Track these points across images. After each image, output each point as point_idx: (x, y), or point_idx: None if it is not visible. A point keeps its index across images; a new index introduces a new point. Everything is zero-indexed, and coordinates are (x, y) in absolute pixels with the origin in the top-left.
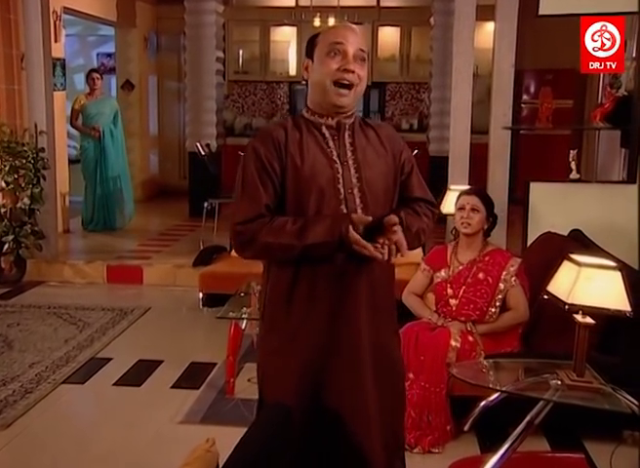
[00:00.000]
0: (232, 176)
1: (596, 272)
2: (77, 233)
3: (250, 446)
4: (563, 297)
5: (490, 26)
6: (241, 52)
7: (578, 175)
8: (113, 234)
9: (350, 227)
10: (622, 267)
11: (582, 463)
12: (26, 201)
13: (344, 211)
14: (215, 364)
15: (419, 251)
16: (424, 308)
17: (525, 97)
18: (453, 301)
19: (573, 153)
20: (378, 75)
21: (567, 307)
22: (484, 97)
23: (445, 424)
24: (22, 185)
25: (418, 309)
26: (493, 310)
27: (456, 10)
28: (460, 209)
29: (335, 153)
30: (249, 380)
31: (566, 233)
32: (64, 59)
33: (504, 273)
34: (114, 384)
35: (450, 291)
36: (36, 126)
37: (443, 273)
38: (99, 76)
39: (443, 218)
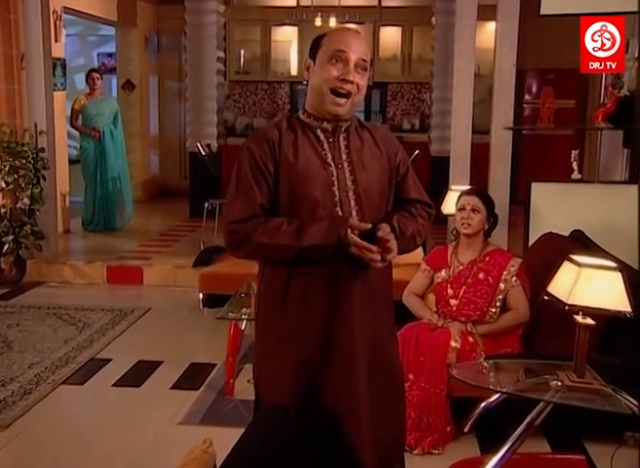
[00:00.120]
0: None
1: (596, 273)
2: (77, 233)
3: (247, 446)
4: (563, 298)
5: (491, 26)
6: (242, 52)
7: (579, 176)
8: (113, 234)
9: (349, 230)
10: (623, 268)
11: (583, 465)
12: (26, 201)
13: (339, 213)
14: (214, 364)
15: (419, 251)
16: (425, 309)
17: (527, 96)
18: (453, 301)
19: (574, 153)
20: (379, 75)
21: (567, 308)
22: (485, 96)
23: (445, 425)
24: (22, 185)
25: (418, 310)
26: (493, 310)
27: (457, 9)
28: (461, 209)
29: (329, 156)
30: (248, 381)
31: (567, 234)
32: (65, 59)
33: (505, 273)
34: (114, 385)
35: (450, 291)
36: (36, 126)
37: (443, 273)
38: (98, 76)
39: (444, 219)
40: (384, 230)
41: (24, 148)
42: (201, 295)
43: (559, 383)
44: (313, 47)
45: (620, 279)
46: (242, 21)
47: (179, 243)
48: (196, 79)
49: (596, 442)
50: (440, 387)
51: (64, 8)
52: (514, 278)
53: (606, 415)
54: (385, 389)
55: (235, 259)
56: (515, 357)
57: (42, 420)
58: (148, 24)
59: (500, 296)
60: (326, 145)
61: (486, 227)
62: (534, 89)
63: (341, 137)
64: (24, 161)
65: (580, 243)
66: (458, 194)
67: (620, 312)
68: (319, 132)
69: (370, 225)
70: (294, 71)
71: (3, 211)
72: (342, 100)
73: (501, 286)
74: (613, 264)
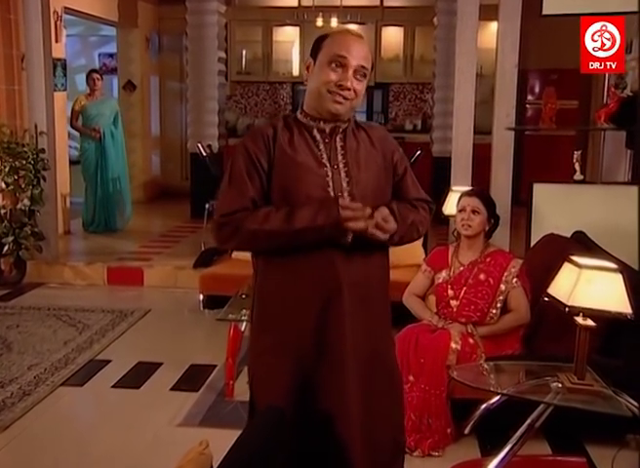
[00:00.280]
0: None
1: (597, 274)
2: (78, 234)
3: (244, 448)
4: (563, 300)
5: (494, 26)
6: (244, 52)
7: (582, 177)
8: (114, 235)
9: (340, 209)
10: (624, 269)
11: (584, 467)
12: (26, 202)
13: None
14: (214, 366)
15: (420, 252)
16: (425, 310)
17: (529, 97)
18: (453, 302)
19: (577, 154)
20: (381, 75)
21: (567, 309)
22: (488, 97)
23: (445, 427)
24: (22, 186)
25: (418, 311)
26: (494, 311)
27: (458, 10)
28: (461, 210)
29: (325, 156)
30: (248, 383)
31: (570, 235)
32: (65, 60)
33: (506, 274)
34: (113, 386)
35: (451, 292)
36: (36, 127)
37: (444, 274)
38: (99, 77)
39: (445, 219)
40: (382, 211)
41: (25, 149)
42: (201, 297)
43: (559, 385)
44: (315, 47)
45: (620, 280)
46: (243, 22)
47: (179, 244)
48: (197, 80)
49: (597, 444)
50: (440, 389)
51: (65, 8)
52: (515, 279)
53: (607, 417)
54: (381, 390)
55: (236, 261)
56: (516, 358)
57: (41, 422)
58: (149, 25)
59: (501, 298)
60: (322, 146)
61: (487, 228)
62: (536, 89)
63: (338, 138)
64: (25, 162)
65: (581, 244)
66: (459, 195)
67: (620, 314)
68: (316, 132)
69: (360, 205)
70: (295, 72)
71: (3, 211)
72: (341, 99)
73: (502, 287)
74: (613, 266)
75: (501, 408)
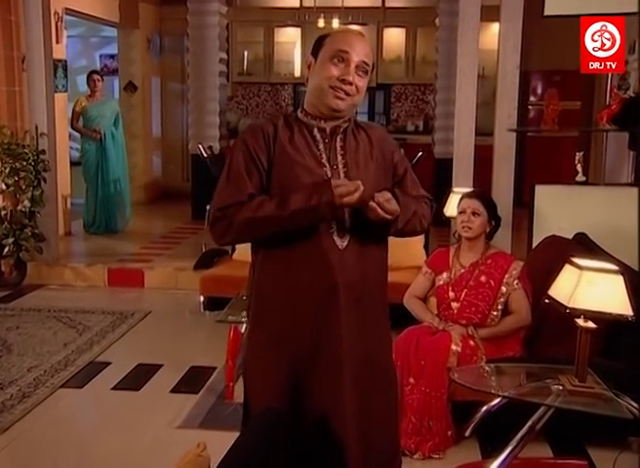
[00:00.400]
0: None
1: (598, 276)
2: (79, 236)
3: (241, 450)
4: (564, 301)
5: (496, 27)
6: (245, 53)
7: (584, 178)
8: (115, 237)
9: (333, 188)
10: (625, 271)
11: None
12: (27, 203)
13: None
14: (215, 368)
15: (421, 253)
16: (426, 312)
17: (532, 98)
18: (454, 304)
19: (579, 155)
20: (383, 77)
21: (568, 311)
22: (490, 98)
23: (446, 429)
24: (23, 188)
25: (419, 312)
26: (495, 314)
27: (460, 11)
28: (461, 212)
29: (324, 156)
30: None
31: (572, 236)
32: (66, 61)
33: (507, 276)
34: (113, 388)
35: (451, 294)
36: (37, 128)
37: (445, 276)
38: (99, 78)
39: (447, 221)
40: (384, 193)
41: (25, 150)
42: (202, 298)
43: (560, 387)
44: (316, 45)
45: (621, 282)
46: (245, 23)
47: (180, 245)
48: (198, 81)
49: (599, 447)
50: (441, 391)
51: (66, 9)
52: (516, 281)
53: (609, 420)
54: (376, 390)
55: (236, 262)
56: (516, 361)
57: (41, 424)
58: (151, 26)
59: (502, 300)
60: (321, 146)
61: (487, 230)
62: (539, 90)
63: (338, 138)
64: (25, 163)
65: (583, 246)
66: (460, 196)
67: (621, 315)
68: (316, 131)
69: (359, 182)
70: (297, 73)
71: (3, 213)
72: (343, 95)
73: (503, 289)
74: (614, 267)
75: (502, 410)
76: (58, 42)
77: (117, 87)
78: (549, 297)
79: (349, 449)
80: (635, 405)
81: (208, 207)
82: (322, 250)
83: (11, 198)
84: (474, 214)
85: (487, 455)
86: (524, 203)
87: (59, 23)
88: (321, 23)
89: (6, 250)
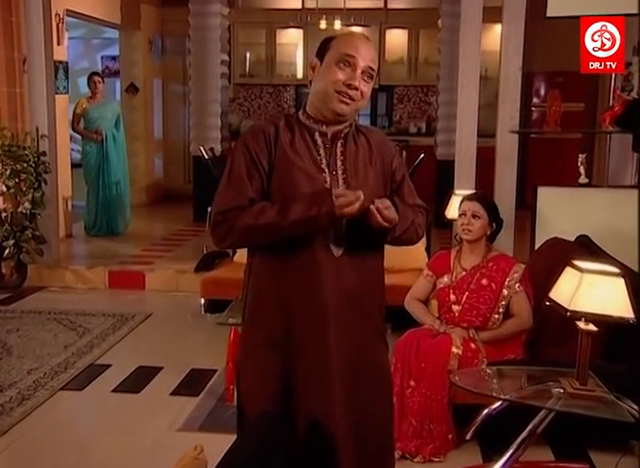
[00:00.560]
0: None
1: (599, 278)
2: (80, 238)
3: (238, 454)
4: (565, 304)
5: (499, 28)
6: (247, 55)
7: (587, 180)
8: (116, 239)
9: (335, 199)
10: (626, 274)
11: None
12: (27, 205)
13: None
14: (215, 370)
15: (423, 256)
16: (427, 314)
17: (535, 99)
18: (455, 307)
19: (581, 157)
20: (385, 78)
21: (568, 314)
22: (493, 99)
23: (447, 433)
24: (24, 189)
25: (420, 315)
26: (496, 317)
27: (462, 12)
28: (462, 215)
29: (324, 161)
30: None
31: (574, 239)
32: (67, 62)
33: (508, 279)
34: (113, 391)
35: (453, 297)
36: (37, 129)
37: (446, 279)
38: (100, 79)
39: (448, 223)
40: (384, 200)
41: (26, 152)
42: (203, 301)
43: (561, 390)
44: (321, 48)
45: (622, 285)
46: (246, 24)
47: (181, 247)
48: (200, 82)
49: (601, 450)
50: (441, 394)
51: (67, 11)
52: (517, 284)
53: (610, 423)
54: (368, 393)
55: (237, 264)
56: (517, 363)
57: (40, 426)
58: (152, 27)
59: (504, 303)
60: (322, 151)
61: (488, 233)
62: (542, 92)
63: (339, 143)
64: (26, 165)
65: (585, 248)
66: (461, 198)
67: (622, 318)
68: (317, 135)
69: (359, 193)
70: (299, 74)
71: (4, 215)
72: (348, 100)
73: (505, 292)
74: (615, 270)
75: (504, 413)
76: (59, 43)
77: (119, 89)
78: (550, 300)
79: (341, 451)
80: (636, 408)
81: (209, 209)
82: (317, 256)
83: (11, 200)
84: (474, 216)
85: (488, 459)
86: (527, 205)
87: (60, 25)
88: (323, 25)
89: (6, 252)
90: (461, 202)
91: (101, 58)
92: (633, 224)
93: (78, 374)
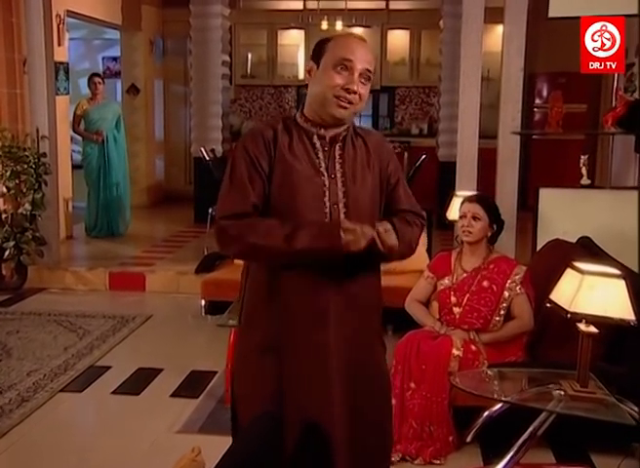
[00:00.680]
0: None
1: (599, 280)
2: (80, 239)
3: (236, 455)
4: (565, 306)
5: (501, 29)
6: (249, 55)
7: (588, 181)
8: (116, 240)
9: (341, 232)
10: (627, 275)
11: None
12: (28, 207)
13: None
14: (215, 372)
15: (424, 257)
16: (427, 316)
17: (537, 100)
18: (456, 309)
19: (584, 158)
20: (387, 79)
21: (569, 316)
22: (496, 100)
23: (447, 435)
24: (24, 191)
25: (420, 317)
26: (497, 319)
27: (463, 13)
28: (462, 216)
29: (323, 165)
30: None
31: (576, 240)
32: (68, 63)
33: (509, 281)
34: (113, 393)
35: (453, 298)
36: (38, 131)
37: (447, 281)
38: (100, 80)
39: (450, 225)
40: (385, 225)
41: (26, 153)
42: (203, 302)
43: (562, 393)
44: (317, 50)
45: (623, 286)
46: (248, 25)
47: (182, 249)
48: (201, 83)
49: (602, 453)
50: (442, 396)
51: (68, 11)
52: (518, 286)
53: (612, 426)
54: (366, 395)
55: (238, 266)
56: (518, 365)
57: (40, 428)
58: (153, 28)
59: (505, 305)
60: (321, 154)
61: (489, 234)
62: (544, 93)
63: (337, 147)
64: (26, 166)
65: (587, 250)
66: (461, 200)
67: (623, 320)
68: (316, 139)
69: (370, 232)
70: (301, 75)
71: (4, 216)
72: (347, 104)
73: (506, 294)
74: (616, 272)
75: (505, 415)
76: (59, 44)
77: (120, 89)
78: (551, 302)
79: (337, 451)
80: (637, 410)
81: (210, 210)
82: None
83: (12, 201)
84: (475, 218)
85: (489, 461)
86: (529, 206)
87: (60, 26)
88: (324, 26)
89: (7, 253)
90: (462, 203)
91: (102, 58)
92: (635, 226)
93: (78, 376)
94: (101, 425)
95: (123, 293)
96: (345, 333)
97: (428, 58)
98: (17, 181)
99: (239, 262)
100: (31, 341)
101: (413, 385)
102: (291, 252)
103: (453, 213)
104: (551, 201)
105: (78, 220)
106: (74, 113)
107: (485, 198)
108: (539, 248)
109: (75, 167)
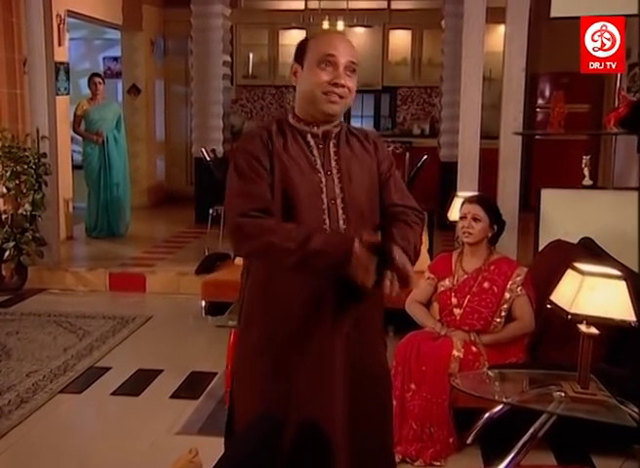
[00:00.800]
0: None
1: (600, 281)
2: (81, 240)
3: (233, 457)
4: (566, 307)
5: (503, 29)
6: (250, 55)
7: (591, 182)
8: (117, 241)
9: (356, 243)
10: (628, 276)
11: None
12: (28, 207)
13: (327, 221)
14: (215, 373)
15: (426, 258)
16: (428, 317)
17: (540, 101)
18: (457, 311)
19: (586, 159)
20: (389, 79)
21: (569, 317)
22: (498, 101)
23: (447, 436)
24: (24, 191)
25: (421, 318)
26: (498, 320)
27: (465, 12)
28: (462, 217)
29: (319, 162)
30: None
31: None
32: (68, 63)
33: (510, 283)
34: (112, 394)
35: (454, 300)
36: (38, 131)
37: (447, 282)
38: (100, 80)
39: (451, 225)
40: (399, 254)
41: (26, 153)
42: (203, 303)
43: (563, 394)
44: (299, 51)
45: (624, 287)
46: (249, 25)
47: (183, 249)
48: (202, 83)
49: (603, 455)
50: (442, 397)
51: (68, 11)
52: (520, 287)
53: (613, 427)
54: (367, 395)
55: (238, 267)
56: (519, 367)
57: (39, 429)
58: (154, 28)
59: (505, 306)
60: (315, 151)
61: (489, 235)
62: (547, 93)
63: (331, 144)
64: (26, 166)
65: (588, 250)
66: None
67: (624, 321)
68: (309, 137)
69: (379, 236)
70: None
71: (4, 217)
72: (336, 98)
73: (507, 295)
74: (617, 273)
75: (505, 417)
76: (59, 44)
77: (121, 90)
78: (551, 303)
79: (338, 452)
80: (638, 412)
81: (211, 211)
82: None
83: (12, 202)
84: (475, 219)
85: (489, 463)
86: (531, 207)
87: (61, 26)
88: (326, 26)
89: (7, 254)
90: (462, 204)
91: (103, 59)
92: (636, 227)
93: (77, 377)
94: (101, 426)
95: (123, 294)
96: (347, 332)
97: (430, 59)
98: (17, 182)
99: (239, 263)
100: (31, 342)
101: (413, 386)
102: (304, 252)
103: (454, 213)
104: (553, 201)
105: (79, 221)
106: (74, 113)
107: (485, 199)
108: (540, 248)
109: (76, 167)
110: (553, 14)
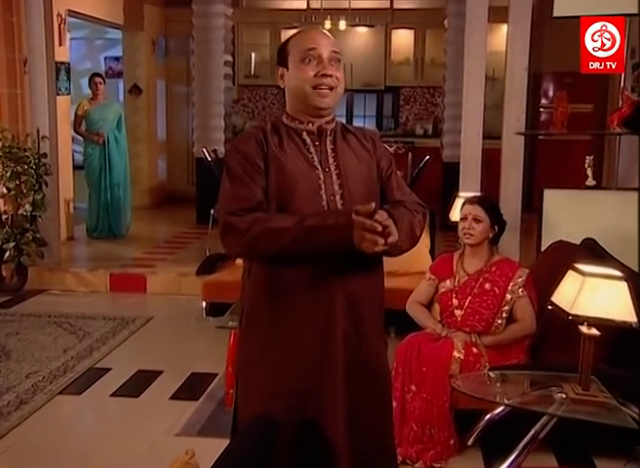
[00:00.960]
0: None
1: (601, 282)
2: (81, 240)
3: (230, 458)
4: (567, 308)
5: (506, 28)
6: (252, 55)
7: (594, 182)
8: (118, 242)
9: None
10: (629, 277)
11: None
12: (28, 207)
13: None
14: (215, 374)
15: (427, 259)
16: (429, 318)
17: (544, 101)
18: (458, 312)
19: (589, 159)
20: (391, 79)
21: (570, 318)
22: (501, 100)
23: (448, 438)
24: (24, 191)
25: (422, 319)
26: (499, 322)
27: (467, 12)
28: (463, 218)
29: (316, 159)
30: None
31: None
32: (69, 63)
33: (512, 284)
34: (112, 395)
35: (455, 301)
36: (38, 131)
37: (448, 283)
38: (101, 80)
39: (453, 226)
40: (382, 216)
41: (26, 154)
42: (204, 304)
43: (563, 396)
44: (281, 54)
45: (625, 288)
46: (251, 24)
47: (184, 250)
48: (203, 83)
49: (605, 456)
50: (443, 399)
51: (69, 11)
52: (521, 289)
53: (615, 429)
54: (369, 397)
55: (239, 267)
56: (520, 368)
57: (38, 430)
58: (155, 28)
59: (507, 308)
60: (312, 149)
61: (490, 236)
62: (550, 93)
63: (328, 141)
64: (26, 166)
65: (590, 251)
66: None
67: (625, 322)
68: (305, 135)
69: (373, 204)
70: None
71: (4, 217)
72: (327, 91)
73: (508, 297)
74: (618, 273)
75: (506, 418)
76: (60, 44)
77: (122, 90)
78: (552, 304)
79: (338, 453)
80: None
81: (212, 211)
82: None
83: (12, 202)
84: (476, 220)
85: (490, 465)
86: (534, 207)
87: (61, 25)
88: (328, 25)
89: (7, 254)
90: (463, 205)
91: (105, 58)
92: (637, 227)
93: (77, 378)
94: (101, 427)
95: (124, 295)
96: (348, 332)
97: (433, 58)
98: (17, 182)
99: (240, 263)
100: (31, 343)
101: (413, 388)
102: (301, 231)
103: (456, 214)
104: (556, 202)
105: (79, 221)
106: (75, 113)
107: (486, 199)
108: (543, 249)
109: (76, 167)
110: (556, 13)
